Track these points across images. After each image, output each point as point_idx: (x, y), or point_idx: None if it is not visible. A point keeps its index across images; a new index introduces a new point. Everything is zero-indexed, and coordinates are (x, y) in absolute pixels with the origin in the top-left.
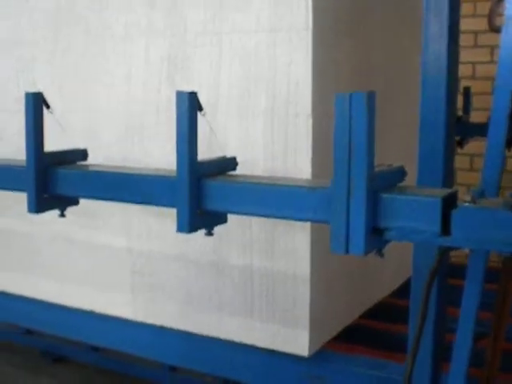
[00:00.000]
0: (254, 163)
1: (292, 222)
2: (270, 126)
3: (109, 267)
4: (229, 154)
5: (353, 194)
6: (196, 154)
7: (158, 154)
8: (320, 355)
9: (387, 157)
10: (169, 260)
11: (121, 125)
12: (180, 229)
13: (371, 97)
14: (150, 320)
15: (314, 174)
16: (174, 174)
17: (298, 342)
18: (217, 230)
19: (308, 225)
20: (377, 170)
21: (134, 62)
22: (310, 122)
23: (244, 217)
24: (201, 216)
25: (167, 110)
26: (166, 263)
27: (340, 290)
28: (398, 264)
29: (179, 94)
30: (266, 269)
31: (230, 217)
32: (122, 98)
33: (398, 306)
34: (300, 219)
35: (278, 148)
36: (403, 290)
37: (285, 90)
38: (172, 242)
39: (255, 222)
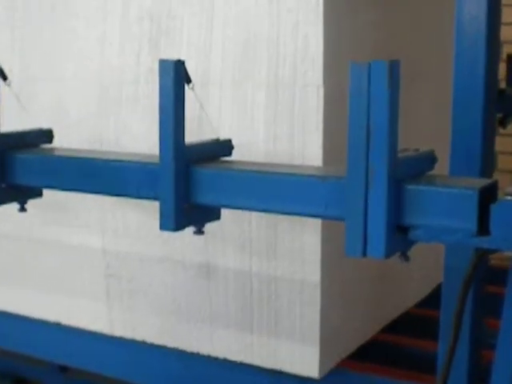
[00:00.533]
0: (252, 146)
1: (299, 218)
2: (272, 99)
3: (79, 271)
4: (223, 136)
5: (372, 185)
6: (183, 136)
7: (138, 135)
8: (333, 377)
9: (413, 139)
10: (151, 262)
11: (93, 99)
12: (164, 226)
13: (395, 66)
14: (128, 334)
15: (326, 159)
16: (157, 159)
17: (306, 361)
18: (209, 227)
19: (318, 221)
20: (401, 155)
21: (108, 22)
22: (321, 94)
23: (241, 211)
24: (189, 211)
25: (149, 81)
26: (147, 266)
27: (357, 299)
28: (426, 268)
29: (163, 63)
30: (267, 273)
31: (224, 212)
32: (95, 65)
33: (425, 318)
34: (308, 215)
35: (282, 127)
36: (432, 299)
37: (291, 55)
38: (154, 241)
39: (255, 216)
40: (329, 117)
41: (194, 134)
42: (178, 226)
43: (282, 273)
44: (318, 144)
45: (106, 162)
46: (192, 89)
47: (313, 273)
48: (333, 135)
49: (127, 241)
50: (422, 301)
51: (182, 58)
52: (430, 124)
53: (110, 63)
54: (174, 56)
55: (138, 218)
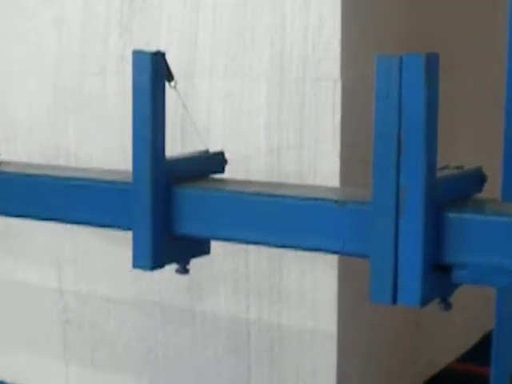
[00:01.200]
0: (251, 160)
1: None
2: (276, 97)
3: (29, 316)
4: (213, 146)
5: (404, 212)
6: (163, 148)
7: (105, 145)
8: None
9: (455, 153)
10: (120, 304)
11: (48, 97)
12: (138, 263)
13: (433, 61)
14: None
15: (344, 177)
16: (129, 177)
17: None
18: (196, 260)
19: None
20: (440, 174)
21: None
22: (338, 90)
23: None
24: (170, 244)
25: (119, 73)
26: (115, 309)
27: (382, 353)
28: (470, 313)
29: (137, 56)
30: (269, 319)
31: (215, 243)
32: (50, 55)
33: (470, 376)
34: (322, 250)
35: (288, 134)
36: (478, 352)
37: (299, 41)
38: (125, 278)
39: (253, 248)
40: (348, 120)
41: (176, 145)
42: (156, 264)
43: (287, 319)
44: (334, 156)
45: (64, 180)
46: (174, 87)
47: (327, 319)
48: (353, 145)
49: (90, 279)
50: (466, 354)
51: (161, 45)
52: (472, 128)
53: (69, 51)
54: (150, 41)
55: (104, 249)
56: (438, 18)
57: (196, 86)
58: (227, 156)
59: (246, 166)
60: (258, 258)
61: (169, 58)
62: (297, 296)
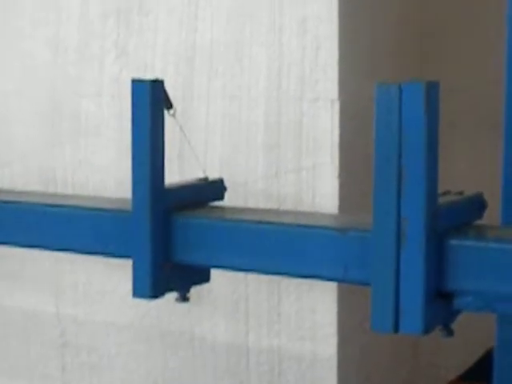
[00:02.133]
0: (250, 185)
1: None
2: (273, 117)
3: (27, 340)
4: (211, 171)
5: (405, 240)
6: (163, 176)
7: (103, 170)
8: None
9: (453, 178)
10: (119, 330)
11: (43, 120)
12: (137, 292)
13: (433, 89)
14: None
15: (343, 202)
16: (128, 205)
17: None
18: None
19: None
20: (442, 200)
21: (63, 19)
22: (336, 110)
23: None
24: (170, 272)
25: (114, 96)
26: (114, 335)
27: (383, 373)
28: (471, 332)
29: (136, 85)
30: (268, 342)
31: (215, 271)
32: (45, 75)
33: None
34: (323, 278)
35: (287, 155)
36: (479, 370)
37: (297, 61)
38: (124, 305)
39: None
40: (347, 140)
41: (174, 172)
42: (156, 292)
43: (287, 342)
44: (332, 180)
45: (60, 208)
46: (173, 116)
47: (327, 342)
48: (352, 166)
49: (88, 305)
50: (468, 371)
51: (157, 67)
52: (470, 148)
53: (65, 74)
54: (146, 63)
55: (102, 274)
56: (440, 39)
57: (194, 107)
58: (226, 179)
59: (244, 191)
60: (257, 283)
61: (165, 80)
62: (295, 321)
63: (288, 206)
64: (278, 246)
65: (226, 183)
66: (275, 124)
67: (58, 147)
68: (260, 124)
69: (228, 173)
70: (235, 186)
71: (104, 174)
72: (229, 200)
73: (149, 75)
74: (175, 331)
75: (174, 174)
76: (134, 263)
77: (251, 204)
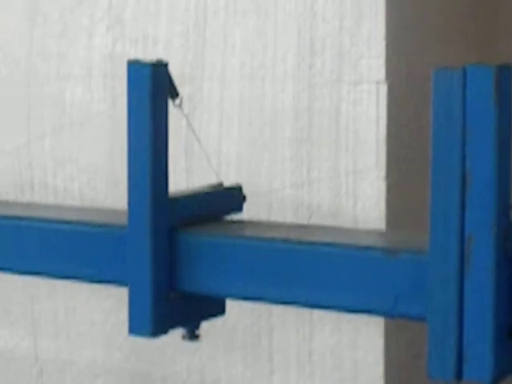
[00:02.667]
0: (273, 192)
1: None
2: (304, 105)
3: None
4: (228, 174)
5: (470, 266)
6: (166, 183)
7: (90, 166)
8: None
9: None
10: (109, 373)
11: (18, 107)
12: (135, 329)
13: (505, 74)
14: None
15: (391, 214)
16: (124, 219)
17: None
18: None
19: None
20: None
21: None
22: (382, 95)
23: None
24: (176, 303)
25: (107, 75)
26: (103, 378)
27: None
28: None
29: (134, 68)
30: None
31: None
32: (20, 51)
33: None
34: (367, 312)
35: (321, 155)
36: None
37: (334, 33)
38: (116, 341)
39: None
40: (396, 135)
41: (180, 175)
42: (158, 329)
43: None
44: (378, 185)
45: (41, 222)
46: (179, 106)
47: None
48: (403, 170)
49: (71, 342)
50: None
51: (161, 40)
52: None
53: (45, 48)
54: (146, 35)
55: (91, 305)
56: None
57: (204, 91)
58: (245, 185)
59: (268, 201)
60: (282, 308)
61: (170, 57)
62: (332, 357)
63: (322, 219)
64: (310, 272)
65: (245, 190)
66: (306, 112)
67: (37, 140)
68: (287, 112)
69: (247, 175)
70: (256, 193)
71: (93, 174)
72: (248, 212)
73: (149, 51)
74: (181, 372)
75: (181, 179)
76: (130, 292)
77: (276, 216)
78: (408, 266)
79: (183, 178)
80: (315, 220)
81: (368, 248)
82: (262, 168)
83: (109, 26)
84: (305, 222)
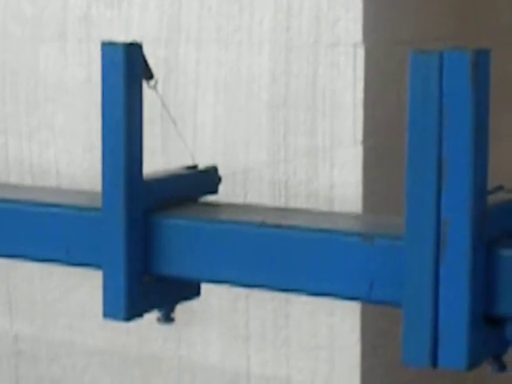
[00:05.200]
0: (251, 174)
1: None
2: (280, 71)
3: None
4: (202, 155)
5: (446, 251)
6: (141, 164)
7: (67, 139)
8: None
9: (508, 172)
10: (88, 355)
11: None
12: (109, 313)
13: (482, 59)
14: None
15: (368, 180)
16: (98, 202)
17: None
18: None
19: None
20: (492, 200)
21: None
22: (360, 59)
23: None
24: (150, 287)
25: (81, 40)
26: (82, 361)
27: None
28: None
29: (107, 49)
30: (274, 377)
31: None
32: None
33: None
34: (342, 297)
35: (297, 122)
36: None
37: None
38: (92, 324)
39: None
40: (374, 98)
41: (156, 159)
42: (132, 313)
43: (297, 372)
44: (355, 152)
45: (13, 204)
46: (154, 88)
47: (347, 374)
48: (381, 135)
49: (49, 322)
50: None
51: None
52: None
53: (17, 12)
54: None
55: (66, 285)
56: None
57: (180, 54)
58: (221, 169)
59: (243, 181)
60: (259, 301)
61: (146, 20)
62: (306, 350)
63: (298, 183)
64: (286, 256)
65: (222, 153)
66: (283, 75)
67: (11, 106)
68: (264, 75)
69: (223, 140)
70: (232, 156)
71: (69, 139)
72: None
73: (124, 13)
74: (158, 356)
75: (157, 158)
76: (104, 276)
77: (252, 174)
78: (384, 251)
79: (160, 161)
80: (292, 182)
81: (344, 233)
82: (239, 132)
83: None
84: (282, 184)
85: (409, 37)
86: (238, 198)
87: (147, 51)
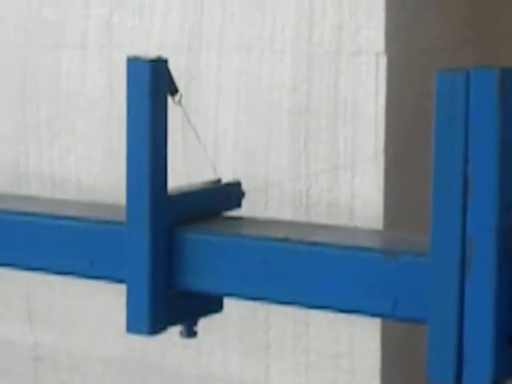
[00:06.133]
0: (273, 188)
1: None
2: (302, 79)
3: None
4: (225, 162)
5: (471, 269)
6: (165, 179)
7: (87, 145)
8: None
9: None
10: (108, 365)
11: (13, 85)
12: (132, 327)
13: (510, 77)
14: None
15: (389, 188)
16: (122, 215)
17: None
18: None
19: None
20: None
21: None
22: (382, 68)
23: None
24: (174, 301)
25: (103, 46)
26: (101, 371)
27: None
28: None
29: (133, 65)
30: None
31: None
32: (17, 23)
33: None
34: (366, 314)
35: (318, 130)
36: None
37: (333, 3)
38: (112, 335)
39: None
40: (395, 107)
41: (179, 173)
42: (156, 327)
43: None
44: (376, 161)
45: (35, 217)
46: (179, 103)
47: None
48: (402, 145)
49: (70, 334)
50: None
51: (158, 9)
52: None
53: (38, 14)
54: (143, 5)
55: (86, 292)
56: None
57: (202, 61)
58: (242, 157)
59: (265, 196)
60: (279, 316)
61: (168, 27)
62: (327, 363)
63: (319, 191)
64: (309, 272)
65: (242, 162)
66: (304, 84)
67: (31, 112)
68: (285, 83)
69: (244, 148)
70: (253, 165)
71: (90, 145)
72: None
73: (146, 21)
74: (177, 363)
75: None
76: (127, 290)
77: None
78: (408, 268)
79: (182, 173)
80: (313, 190)
81: (368, 249)
82: (260, 140)
83: None
84: (303, 192)
85: (429, 45)
86: (259, 204)
87: (169, 58)
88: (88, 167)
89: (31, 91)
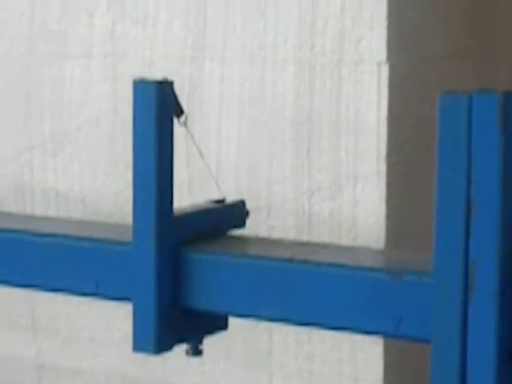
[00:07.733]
0: (273, 173)
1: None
2: (304, 88)
3: None
4: (228, 171)
5: (474, 291)
6: (171, 199)
7: (91, 155)
8: None
9: None
10: (111, 367)
11: (17, 95)
12: (139, 346)
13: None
14: None
15: (392, 196)
16: (129, 235)
17: None
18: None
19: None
20: None
21: None
22: (384, 77)
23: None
24: (180, 320)
25: (108, 68)
26: (106, 372)
27: None
28: None
29: (139, 87)
30: None
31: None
32: (20, 34)
33: None
34: (370, 333)
35: (321, 139)
36: None
37: (335, 13)
38: (118, 353)
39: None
40: (397, 115)
41: (184, 194)
42: (162, 346)
43: None
44: (378, 169)
45: (42, 237)
46: (184, 124)
47: None
48: (405, 153)
49: (75, 353)
50: None
51: (161, 19)
52: None
53: (42, 24)
54: (146, 15)
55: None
56: None
57: (205, 71)
58: (245, 166)
59: (267, 214)
60: (284, 335)
61: (171, 37)
62: (331, 358)
63: (321, 199)
64: (314, 292)
65: (245, 170)
66: (307, 93)
67: (35, 122)
68: (288, 93)
69: (247, 157)
70: (256, 173)
71: (93, 154)
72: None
73: (150, 31)
74: (181, 371)
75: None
76: (134, 309)
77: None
78: (412, 287)
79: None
80: (315, 198)
81: (373, 269)
82: (263, 149)
83: (108, 5)
84: (305, 200)
85: (430, 54)
86: (261, 212)
87: (172, 68)
88: (92, 177)
89: (35, 101)
